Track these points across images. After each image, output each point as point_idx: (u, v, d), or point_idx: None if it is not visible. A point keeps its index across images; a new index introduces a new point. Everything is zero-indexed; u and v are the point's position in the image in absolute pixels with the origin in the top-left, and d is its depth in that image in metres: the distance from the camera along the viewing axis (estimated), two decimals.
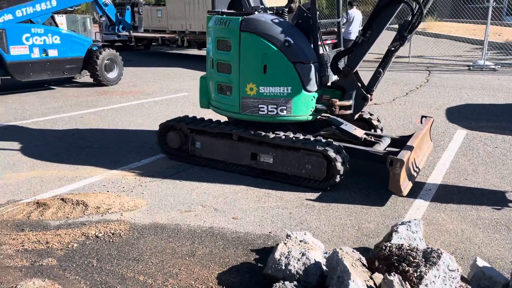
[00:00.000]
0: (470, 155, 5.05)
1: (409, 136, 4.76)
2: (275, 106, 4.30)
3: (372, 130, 5.10)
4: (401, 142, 4.80)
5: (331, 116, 4.71)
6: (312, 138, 4.24)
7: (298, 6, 4.51)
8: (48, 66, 8.72)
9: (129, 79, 10.66)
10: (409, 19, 4.13)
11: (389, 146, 4.57)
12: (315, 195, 4.00)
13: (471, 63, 11.90)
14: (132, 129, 6.23)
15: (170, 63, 14.08)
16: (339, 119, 4.71)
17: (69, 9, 9.35)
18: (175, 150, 4.97)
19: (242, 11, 4.79)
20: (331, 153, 3.99)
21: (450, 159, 4.92)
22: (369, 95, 4.46)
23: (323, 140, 4.18)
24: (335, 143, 4.19)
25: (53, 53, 8.71)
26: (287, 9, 4.73)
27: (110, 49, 9.82)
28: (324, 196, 3.99)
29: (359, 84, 4.42)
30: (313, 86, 4.33)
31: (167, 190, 4.10)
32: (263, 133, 4.34)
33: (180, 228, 3.37)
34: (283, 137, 4.26)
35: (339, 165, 3.99)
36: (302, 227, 3.40)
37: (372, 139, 4.62)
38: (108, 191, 4.06)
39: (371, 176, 4.42)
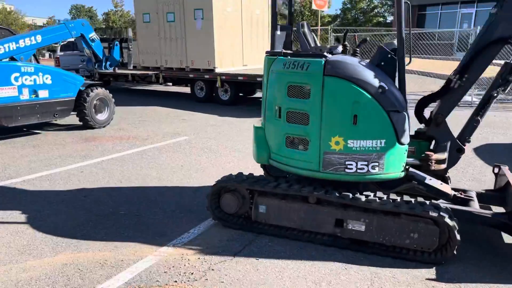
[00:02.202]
0: None
1: (497, 190, 4.26)
2: (365, 163, 3.62)
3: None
4: (487, 197, 4.30)
5: (412, 170, 4.09)
6: (411, 200, 3.60)
7: (379, 47, 3.93)
8: (38, 109, 7.61)
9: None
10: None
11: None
12: (431, 272, 3.32)
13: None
14: (152, 185, 5.28)
15: (144, 101, 13.07)
16: (420, 172, 4.10)
17: (54, 44, 8.28)
18: (231, 216, 4.13)
19: (309, 52, 4.13)
20: (447, 220, 3.35)
21: None
22: (464, 146, 3.92)
23: (427, 203, 3.56)
24: (442, 205, 3.57)
25: (43, 94, 7.62)
26: (358, 49, 4.15)
27: (101, 88, 8.87)
28: (444, 272, 3.31)
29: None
30: (406, 138, 3.71)
31: (250, 275, 3.24)
32: (352, 195, 3.64)
33: None
34: (380, 199, 3.58)
35: (456, 234, 3.35)
36: None
37: (463, 195, 4.05)
38: (176, 282, 3.14)
39: (473, 241, 3.82)
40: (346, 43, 4.31)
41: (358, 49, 4.14)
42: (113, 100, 9.18)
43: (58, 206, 4.59)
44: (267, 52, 4.20)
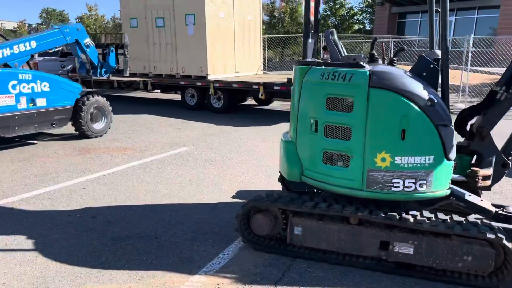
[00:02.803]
0: None
1: None
2: (413, 181, 3.37)
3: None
4: None
5: (451, 186, 3.88)
6: (462, 220, 3.38)
7: (420, 56, 3.71)
8: (36, 118, 7.16)
9: None
10: None
11: None
12: None
13: (451, 108, 11.98)
14: (163, 203, 4.91)
15: (132, 109, 12.59)
16: (459, 188, 3.89)
17: (48, 51, 7.80)
18: (263, 238, 3.82)
19: (341, 62, 3.87)
20: (505, 242, 3.13)
21: None
22: (509, 162, 3.73)
23: (479, 222, 3.34)
24: (495, 225, 3.36)
25: (41, 102, 7.16)
26: (395, 59, 3.93)
27: (98, 96, 8.45)
28: None
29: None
30: (453, 153, 3.48)
31: None
32: (399, 216, 3.39)
33: None
34: (429, 220, 3.34)
35: None
36: None
37: (504, 212, 3.85)
38: None
39: None
40: (374, 52, 4.09)
41: (395, 59, 3.92)
42: (111, 108, 8.78)
43: (66, 229, 4.18)
44: (298, 62, 3.93)
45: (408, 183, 3.38)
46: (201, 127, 9.64)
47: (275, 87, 10.09)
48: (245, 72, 12.65)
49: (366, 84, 3.33)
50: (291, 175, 3.94)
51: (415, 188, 3.38)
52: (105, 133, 8.64)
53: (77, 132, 8.30)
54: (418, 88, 3.32)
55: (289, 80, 9.71)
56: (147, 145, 7.83)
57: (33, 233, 4.08)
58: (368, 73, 3.34)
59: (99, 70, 8.44)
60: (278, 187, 5.35)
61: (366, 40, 20.56)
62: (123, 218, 4.45)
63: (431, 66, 3.60)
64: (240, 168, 6.31)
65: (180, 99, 12.78)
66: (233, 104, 11.90)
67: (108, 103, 8.67)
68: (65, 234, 4.06)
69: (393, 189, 3.40)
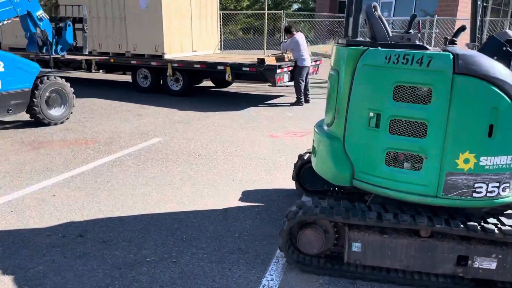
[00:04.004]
0: None
1: None
2: (497, 184, 2.87)
3: None
4: None
5: None
6: None
7: (490, 37, 3.17)
8: None
9: None
10: None
11: None
12: None
13: None
14: (162, 211, 4.07)
15: (77, 92, 11.11)
16: None
17: None
18: (313, 258, 3.16)
19: (389, 42, 3.24)
20: None
21: None
22: None
23: None
24: None
25: None
26: (456, 39, 3.38)
27: (57, 78, 7.25)
28: None
29: None
30: None
31: None
32: (480, 225, 2.88)
33: None
34: None
35: None
36: None
37: None
38: None
39: None
40: (412, 31, 3.52)
41: (456, 39, 3.37)
42: (73, 91, 7.63)
43: (51, 255, 3.23)
44: (348, 41, 3.23)
45: (492, 187, 2.87)
46: (163, 112, 8.64)
47: (244, 69, 9.29)
48: (203, 51, 11.67)
49: (450, 70, 2.73)
50: (339, 179, 3.28)
51: (498, 192, 2.88)
52: (67, 119, 7.52)
53: (32, 119, 7.10)
54: (509, 76, 2.79)
55: (261, 60, 8.96)
56: (110, 136, 6.77)
57: (7, 268, 3.08)
58: (451, 56, 2.74)
59: (54, 47, 7.17)
60: (284, 184, 4.74)
61: (306, 20, 20.17)
62: (120, 236, 3.56)
63: (504, 48, 3.08)
64: (231, 162, 5.55)
65: (130, 80, 11.54)
66: (191, 86, 10.92)
67: (69, 85, 7.52)
68: (52, 264, 3.11)
69: (474, 195, 2.87)
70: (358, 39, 3.21)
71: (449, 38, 3.45)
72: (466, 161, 2.82)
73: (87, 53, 8.26)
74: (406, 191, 2.97)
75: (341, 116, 3.22)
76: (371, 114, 3.00)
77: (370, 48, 3.04)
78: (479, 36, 3.95)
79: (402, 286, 2.99)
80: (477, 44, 3.72)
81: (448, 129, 2.79)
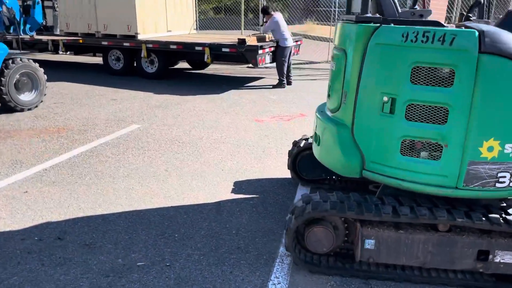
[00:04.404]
0: None
1: None
2: None
3: None
4: None
5: None
6: None
7: (509, 12, 2.92)
8: None
9: None
10: None
11: None
12: None
13: None
14: (147, 207, 3.71)
15: (49, 76, 10.46)
16: None
17: None
18: (322, 257, 2.89)
19: (398, 18, 2.94)
20: None
21: None
22: None
23: None
24: None
25: None
26: (471, 15, 3.11)
27: (30, 61, 6.72)
28: None
29: None
30: None
31: None
32: (503, 218, 2.67)
33: None
34: None
35: None
36: None
37: None
38: None
39: None
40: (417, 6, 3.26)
41: (471, 15, 3.10)
42: (45, 75, 7.09)
43: (28, 263, 2.84)
44: (357, 17, 2.91)
45: None
46: (139, 96, 8.16)
47: (224, 49, 8.86)
48: (178, 31, 11.14)
49: (476, 49, 2.47)
50: (347, 170, 3.01)
51: None
52: (37, 106, 6.98)
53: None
54: None
55: (241, 41, 8.55)
56: (84, 123, 6.29)
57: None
58: (477, 33, 2.47)
59: (22, 27, 6.58)
60: (277, 173, 4.47)
61: None
62: (104, 237, 3.20)
63: None
64: (218, 150, 5.21)
65: (101, 62, 10.91)
66: (167, 68, 10.42)
67: (40, 67, 6.97)
68: (29, 274, 2.73)
69: (497, 185, 2.65)
70: (367, 15, 2.91)
71: (464, 13, 3.18)
72: (490, 149, 2.58)
73: (58, 32, 7.71)
74: (423, 183, 2.73)
75: (349, 101, 2.92)
76: (385, 98, 2.73)
77: (383, 25, 2.74)
78: (487, 12, 3.72)
79: (419, 285, 2.76)
80: (489, 20, 3.48)
81: (472, 114, 2.54)
